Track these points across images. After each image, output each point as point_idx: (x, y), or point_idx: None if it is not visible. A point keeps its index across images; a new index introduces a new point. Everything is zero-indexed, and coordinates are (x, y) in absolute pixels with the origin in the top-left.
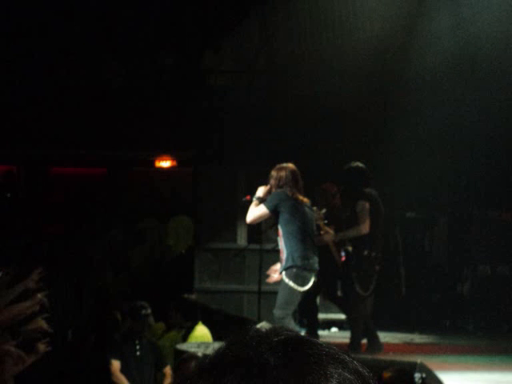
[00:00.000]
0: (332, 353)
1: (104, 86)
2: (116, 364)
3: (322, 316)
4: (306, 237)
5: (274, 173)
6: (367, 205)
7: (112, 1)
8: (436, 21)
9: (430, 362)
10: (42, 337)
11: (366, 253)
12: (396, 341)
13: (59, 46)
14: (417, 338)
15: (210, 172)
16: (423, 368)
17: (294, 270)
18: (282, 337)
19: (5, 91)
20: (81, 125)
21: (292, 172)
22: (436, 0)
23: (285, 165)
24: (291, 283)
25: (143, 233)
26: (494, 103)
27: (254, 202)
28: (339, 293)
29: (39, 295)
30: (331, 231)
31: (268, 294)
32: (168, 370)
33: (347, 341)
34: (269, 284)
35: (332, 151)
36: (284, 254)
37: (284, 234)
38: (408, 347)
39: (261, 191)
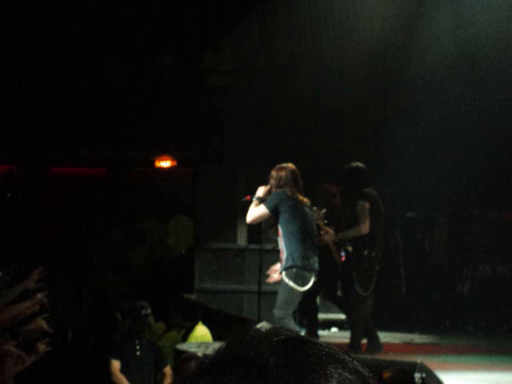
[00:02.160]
0: (332, 353)
1: (104, 86)
2: (116, 364)
3: (322, 316)
4: (305, 237)
5: (273, 173)
6: (367, 205)
7: (112, 1)
8: (436, 21)
9: (430, 362)
10: (42, 337)
11: (366, 253)
12: (396, 341)
13: (59, 46)
14: (417, 338)
15: (210, 172)
16: (423, 368)
17: (294, 270)
18: (282, 337)
19: (5, 91)
20: (81, 125)
21: (292, 172)
22: (436, 0)
23: (285, 165)
24: (291, 283)
25: (143, 233)
26: (494, 103)
27: (254, 201)
28: (339, 293)
29: (39, 295)
30: (331, 231)
31: (268, 294)
32: (168, 369)
33: (347, 341)
34: (269, 284)
35: (332, 151)
36: (284, 254)
37: (284, 233)
38: (408, 347)
39: (261, 191)
